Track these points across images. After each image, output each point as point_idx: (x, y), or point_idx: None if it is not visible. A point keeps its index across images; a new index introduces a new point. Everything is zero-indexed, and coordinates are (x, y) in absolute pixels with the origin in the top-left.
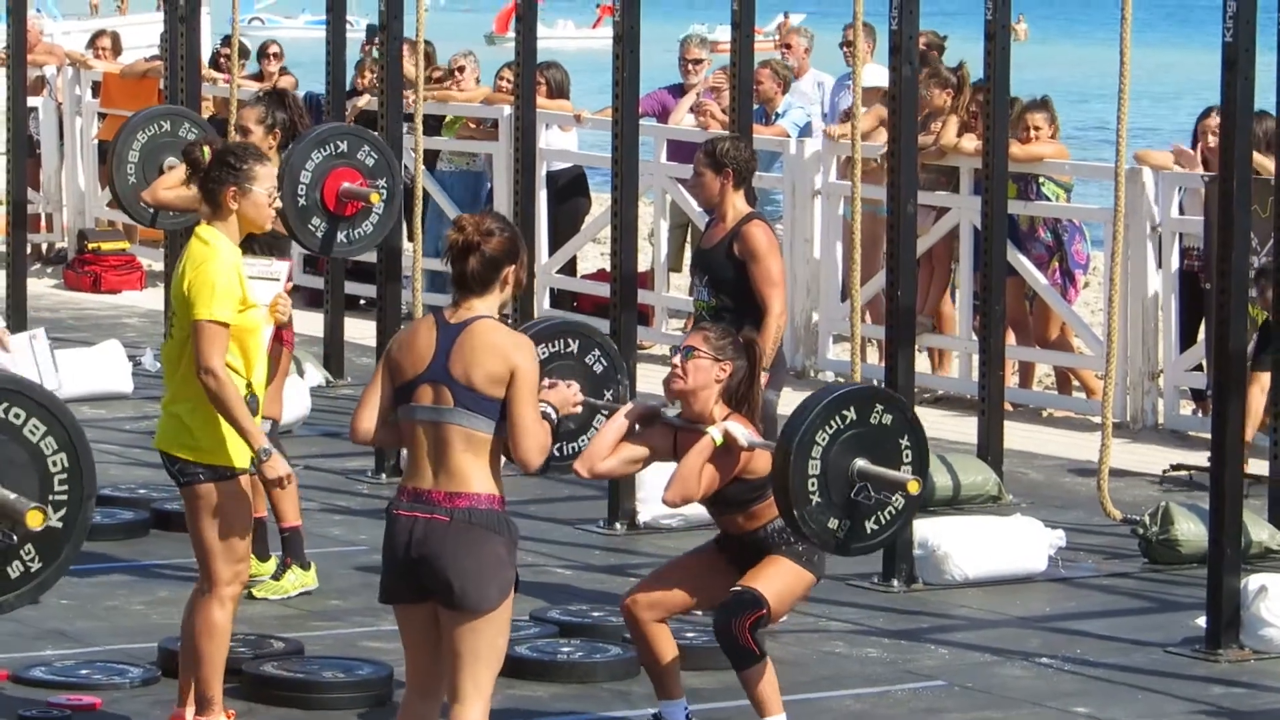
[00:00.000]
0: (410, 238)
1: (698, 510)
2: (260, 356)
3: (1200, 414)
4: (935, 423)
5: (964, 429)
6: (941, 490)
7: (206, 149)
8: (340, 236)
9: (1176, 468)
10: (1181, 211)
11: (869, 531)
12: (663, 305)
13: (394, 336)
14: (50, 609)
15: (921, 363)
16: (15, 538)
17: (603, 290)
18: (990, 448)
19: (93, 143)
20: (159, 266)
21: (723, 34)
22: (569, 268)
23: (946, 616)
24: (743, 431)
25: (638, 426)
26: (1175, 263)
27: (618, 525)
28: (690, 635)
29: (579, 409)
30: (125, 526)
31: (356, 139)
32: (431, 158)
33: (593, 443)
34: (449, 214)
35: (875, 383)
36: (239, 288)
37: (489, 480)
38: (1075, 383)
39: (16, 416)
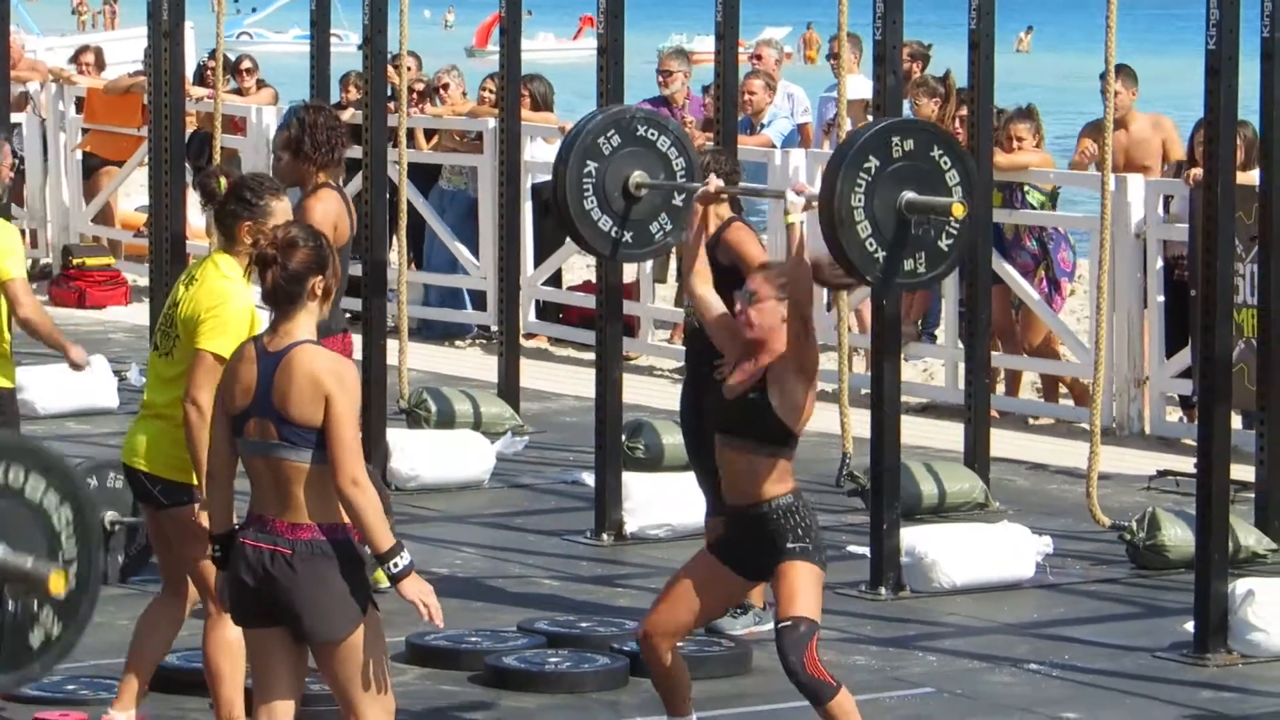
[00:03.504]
0: (396, 250)
1: (685, 520)
2: None
3: (1186, 420)
4: (921, 431)
5: (950, 437)
6: (928, 498)
7: (222, 180)
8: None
9: (1163, 473)
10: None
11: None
12: (648, 316)
13: (227, 362)
14: None
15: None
16: (36, 604)
17: (588, 302)
18: (977, 455)
19: (76, 158)
20: (144, 282)
21: (701, 44)
22: (554, 280)
23: (934, 624)
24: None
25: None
26: (1159, 269)
27: (604, 536)
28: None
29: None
30: None
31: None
32: (432, 175)
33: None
34: (435, 229)
35: (863, 392)
36: (249, 328)
37: (327, 508)
38: (1062, 389)
39: (16, 477)
